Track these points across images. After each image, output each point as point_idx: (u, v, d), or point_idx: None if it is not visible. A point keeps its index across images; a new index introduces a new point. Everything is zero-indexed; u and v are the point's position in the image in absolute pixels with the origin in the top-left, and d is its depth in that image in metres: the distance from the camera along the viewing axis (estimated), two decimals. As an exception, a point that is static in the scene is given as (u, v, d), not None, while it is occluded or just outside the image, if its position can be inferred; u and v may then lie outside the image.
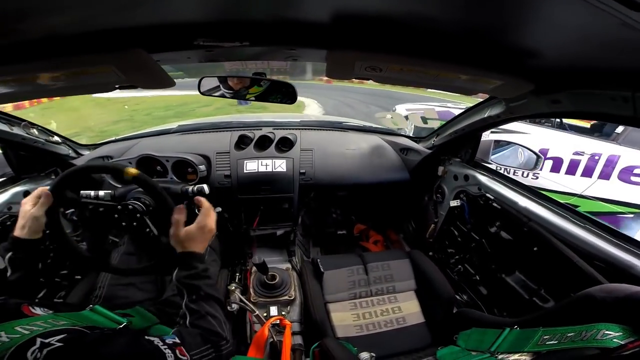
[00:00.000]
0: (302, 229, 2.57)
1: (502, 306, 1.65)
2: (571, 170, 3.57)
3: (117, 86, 1.07)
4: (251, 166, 1.91)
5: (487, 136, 2.07)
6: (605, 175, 3.46)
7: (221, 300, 0.95)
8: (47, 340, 0.59)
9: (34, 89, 1.02)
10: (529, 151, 1.85)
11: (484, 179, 1.79)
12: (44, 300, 0.85)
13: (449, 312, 1.50)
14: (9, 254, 0.94)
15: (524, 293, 1.49)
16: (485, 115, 1.55)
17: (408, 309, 1.65)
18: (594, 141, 3.56)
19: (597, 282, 1.14)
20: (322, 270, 1.70)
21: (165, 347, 0.71)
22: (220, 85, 1.36)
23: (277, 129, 2.12)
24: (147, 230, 1.36)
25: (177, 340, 0.75)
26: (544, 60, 0.88)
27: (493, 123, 1.58)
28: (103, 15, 0.70)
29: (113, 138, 2.10)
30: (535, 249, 1.44)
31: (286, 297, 1.66)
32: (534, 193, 1.57)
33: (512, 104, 1.34)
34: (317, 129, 2.28)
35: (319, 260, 1.75)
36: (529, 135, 3.66)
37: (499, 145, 1.97)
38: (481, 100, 1.59)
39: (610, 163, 3.43)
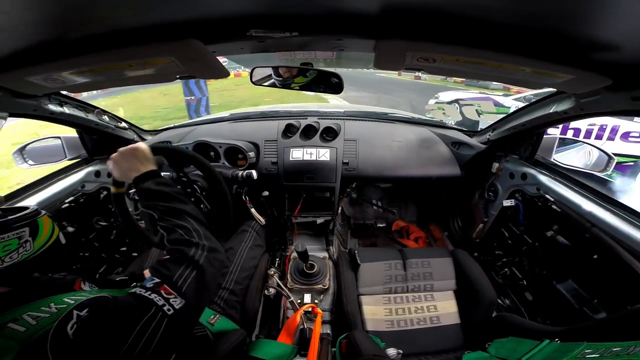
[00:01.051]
0: (341, 219, 2.57)
1: (547, 314, 1.53)
2: (587, 136, 5.14)
3: (177, 76, 1.15)
4: (296, 154, 1.95)
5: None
6: (610, 138, 5.04)
7: (188, 210, 0.91)
8: (81, 313, 0.63)
9: (107, 79, 1.12)
10: (598, 151, 1.65)
11: (544, 179, 1.64)
12: (99, 278, 0.94)
13: (488, 315, 1.42)
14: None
15: (574, 302, 1.37)
16: (551, 111, 1.40)
17: (445, 308, 1.59)
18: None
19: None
20: (359, 262, 1.69)
21: (149, 292, 0.70)
22: (272, 74, 1.39)
23: (322, 118, 2.13)
24: (202, 206, 1.47)
25: (157, 280, 0.73)
26: (623, 53, 0.77)
27: (559, 119, 1.43)
28: (161, 8, 0.75)
29: (172, 125, 2.25)
30: (595, 256, 1.31)
31: (320, 286, 1.69)
32: (602, 197, 1.41)
33: (583, 99, 1.19)
34: (362, 120, 2.24)
35: (356, 251, 1.74)
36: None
37: (564, 143, 1.78)
38: (546, 93, 1.45)
39: (613, 130, 5.03)
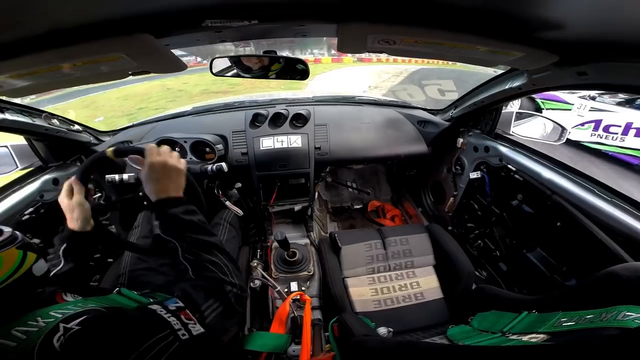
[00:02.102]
0: (318, 204, 2.60)
1: (522, 283, 1.64)
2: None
3: (130, 72, 1.08)
4: (267, 143, 1.93)
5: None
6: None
7: (216, 243, 0.90)
8: (69, 325, 0.61)
9: (51, 81, 1.03)
10: (552, 122, 1.76)
11: (505, 150, 1.74)
12: (77, 286, 0.89)
13: (468, 288, 1.50)
14: (64, 245, 0.98)
15: (545, 270, 1.47)
16: (506, 87, 1.48)
17: (427, 284, 1.66)
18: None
19: (622, 260, 1.11)
20: (339, 245, 1.72)
21: (169, 314, 0.69)
22: (234, 66, 1.35)
23: (290, 105, 2.11)
24: None
25: (181, 304, 0.73)
26: (568, 31, 0.82)
27: (514, 95, 1.51)
28: (105, 4, 0.70)
29: (131, 124, 2.13)
30: (558, 224, 1.40)
31: (305, 273, 1.70)
32: (559, 164, 1.51)
33: (534, 75, 1.26)
34: (331, 104, 2.25)
35: (336, 235, 1.78)
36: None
37: (521, 116, 1.88)
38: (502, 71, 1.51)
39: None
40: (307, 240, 2.02)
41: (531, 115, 1.91)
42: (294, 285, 1.66)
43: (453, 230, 2.18)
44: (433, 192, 2.50)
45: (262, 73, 1.37)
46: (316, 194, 2.30)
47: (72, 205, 0.99)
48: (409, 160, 2.18)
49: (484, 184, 1.87)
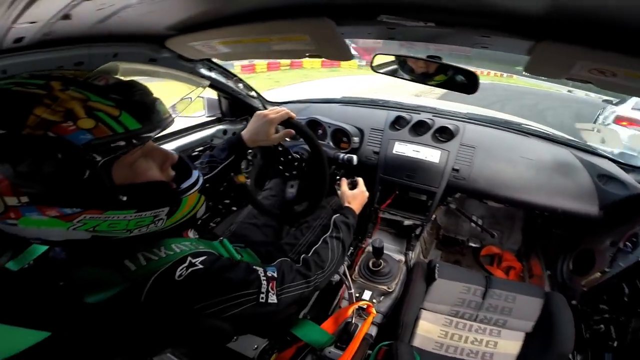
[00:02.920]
0: (430, 227, 2.40)
1: None
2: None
3: (307, 54, 1.20)
4: (401, 148, 1.86)
5: None
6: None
7: (344, 249, 1.11)
8: (194, 260, 0.70)
9: (248, 51, 1.25)
10: None
11: None
12: (201, 225, 1.07)
13: None
14: (232, 157, 1.16)
15: None
16: None
17: (504, 348, 1.43)
18: None
19: None
20: (436, 276, 1.56)
21: (264, 278, 0.81)
22: (397, 65, 1.35)
23: (437, 116, 1.96)
24: (298, 180, 1.56)
25: (275, 275, 0.85)
26: None
27: None
28: None
29: (291, 99, 2.43)
30: None
31: (384, 288, 1.63)
32: None
33: None
34: (486, 125, 1.98)
35: (437, 265, 1.61)
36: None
37: None
38: None
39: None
40: (402, 257, 1.89)
41: None
42: (367, 294, 1.61)
43: (577, 305, 1.70)
44: (576, 260, 1.96)
45: (424, 79, 1.33)
46: (433, 216, 2.11)
47: (271, 136, 1.15)
48: (565, 217, 1.72)
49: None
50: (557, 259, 2.07)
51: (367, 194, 1.37)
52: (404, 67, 1.35)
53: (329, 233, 1.10)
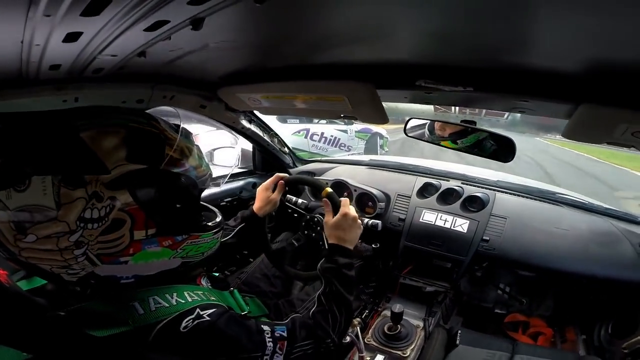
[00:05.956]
0: (452, 294, 2.21)
1: None
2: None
3: (342, 115, 1.26)
4: (429, 217, 1.81)
5: None
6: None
7: (350, 304, 0.96)
8: (202, 313, 0.69)
9: (286, 107, 1.35)
10: None
11: None
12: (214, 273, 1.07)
13: None
14: (242, 224, 1.24)
15: None
16: None
17: None
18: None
19: None
20: (457, 343, 1.44)
21: (271, 339, 0.77)
22: (426, 129, 1.39)
23: (467, 183, 1.95)
24: (320, 243, 1.53)
25: (285, 334, 0.81)
26: None
27: None
28: (344, 48, 0.83)
29: (317, 159, 2.51)
30: None
31: (399, 353, 1.49)
32: None
33: None
34: (519, 195, 1.93)
35: (459, 331, 1.50)
36: None
37: None
38: None
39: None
40: (420, 323, 1.73)
41: None
42: (379, 359, 1.47)
43: None
44: (617, 324, 1.71)
45: (456, 146, 1.34)
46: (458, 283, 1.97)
47: (269, 198, 1.24)
48: (607, 284, 1.59)
49: None
50: (594, 324, 1.84)
51: (352, 214, 1.07)
52: (433, 133, 1.38)
53: (320, 290, 0.96)
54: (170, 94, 1.09)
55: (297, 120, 5.95)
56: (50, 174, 0.56)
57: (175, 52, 0.74)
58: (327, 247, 1.05)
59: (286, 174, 1.35)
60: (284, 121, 5.65)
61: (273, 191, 1.27)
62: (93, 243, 0.60)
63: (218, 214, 0.87)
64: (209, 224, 0.80)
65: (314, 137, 6.25)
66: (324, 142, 6.39)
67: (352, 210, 1.09)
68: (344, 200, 1.12)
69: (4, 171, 0.55)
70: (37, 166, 0.56)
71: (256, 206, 1.26)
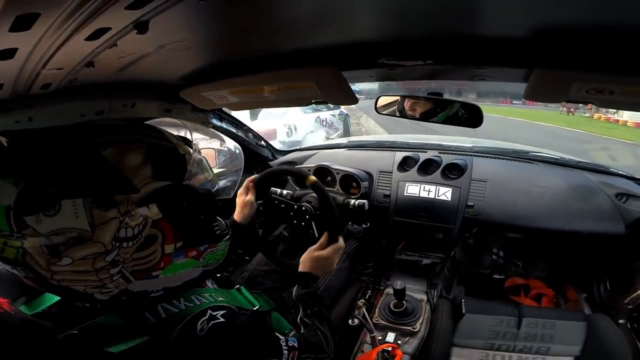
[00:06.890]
0: (449, 263, 2.29)
1: None
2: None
3: (313, 101, 1.25)
4: (412, 189, 1.85)
5: None
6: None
7: (330, 320, 1.01)
8: (215, 314, 0.69)
9: (253, 100, 1.32)
10: None
11: None
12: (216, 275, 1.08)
13: None
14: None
15: None
16: None
17: None
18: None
19: None
20: (463, 311, 1.49)
21: (286, 348, 0.79)
22: (399, 105, 1.40)
23: (444, 152, 1.99)
24: (311, 231, 1.54)
25: (296, 345, 0.83)
26: None
27: None
28: (307, 34, 0.83)
29: (299, 147, 2.49)
30: None
31: (409, 328, 1.53)
32: None
33: None
34: (495, 157, 1.99)
35: (463, 300, 1.55)
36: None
37: None
38: None
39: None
40: (424, 297, 1.79)
41: None
42: (390, 336, 1.50)
43: (626, 324, 1.55)
44: (613, 279, 1.83)
45: (427, 117, 1.36)
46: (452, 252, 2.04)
47: (245, 202, 1.25)
48: (591, 239, 1.67)
49: None
50: (591, 282, 1.97)
51: (337, 256, 1.11)
52: (404, 107, 1.40)
53: (302, 314, 0.98)
54: (131, 101, 1.05)
55: (310, 110, 7.06)
56: (80, 196, 0.55)
57: (125, 58, 0.71)
58: (297, 274, 1.07)
59: (255, 175, 1.39)
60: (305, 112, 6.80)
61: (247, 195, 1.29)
62: (128, 261, 0.61)
63: (222, 220, 0.87)
64: (223, 232, 0.82)
65: (323, 123, 7.50)
66: (325, 126, 7.60)
67: (338, 256, 1.12)
68: (338, 246, 1.12)
69: (29, 196, 0.53)
70: (65, 189, 0.55)
71: (236, 214, 1.29)
